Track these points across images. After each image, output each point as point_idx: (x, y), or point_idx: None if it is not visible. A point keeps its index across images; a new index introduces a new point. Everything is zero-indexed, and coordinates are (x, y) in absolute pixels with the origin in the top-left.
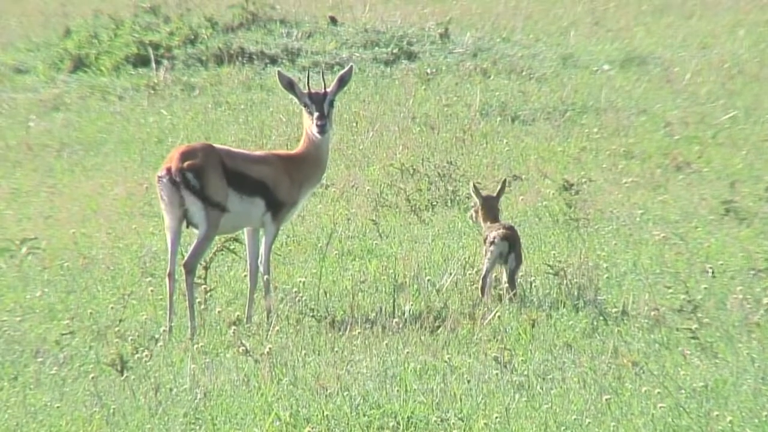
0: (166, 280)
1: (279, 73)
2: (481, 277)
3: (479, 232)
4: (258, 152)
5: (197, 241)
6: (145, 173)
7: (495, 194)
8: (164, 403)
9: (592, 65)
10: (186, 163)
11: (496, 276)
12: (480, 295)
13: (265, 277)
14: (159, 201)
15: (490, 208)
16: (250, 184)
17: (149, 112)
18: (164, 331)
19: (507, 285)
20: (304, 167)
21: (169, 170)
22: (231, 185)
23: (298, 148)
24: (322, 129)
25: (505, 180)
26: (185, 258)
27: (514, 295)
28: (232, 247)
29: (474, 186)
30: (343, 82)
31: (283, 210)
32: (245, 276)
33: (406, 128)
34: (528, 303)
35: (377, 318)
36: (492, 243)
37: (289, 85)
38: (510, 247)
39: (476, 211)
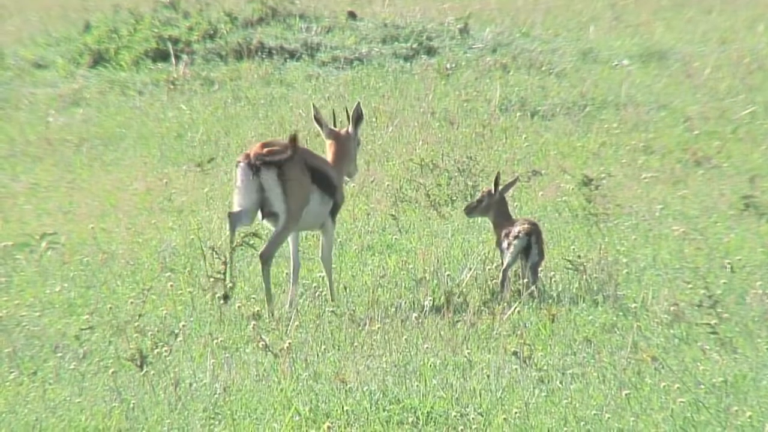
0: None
1: (313, 105)
2: (502, 270)
3: (493, 232)
4: (323, 156)
5: (276, 231)
6: (164, 168)
7: (501, 189)
8: (184, 398)
9: (611, 60)
10: (266, 151)
11: (515, 271)
12: (500, 290)
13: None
14: (234, 186)
15: (499, 205)
16: (328, 185)
17: (168, 107)
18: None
19: (526, 280)
20: (342, 176)
21: (248, 156)
22: (314, 182)
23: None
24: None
25: (517, 177)
26: (262, 248)
27: (535, 288)
28: (251, 242)
29: (497, 178)
30: (358, 121)
31: (337, 213)
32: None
33: (426, 123)
34: (547, 298)
35: (397, 313)
36: (516, 237)
37: (317, 120)
38: (533, 241)
39: (487, 205)
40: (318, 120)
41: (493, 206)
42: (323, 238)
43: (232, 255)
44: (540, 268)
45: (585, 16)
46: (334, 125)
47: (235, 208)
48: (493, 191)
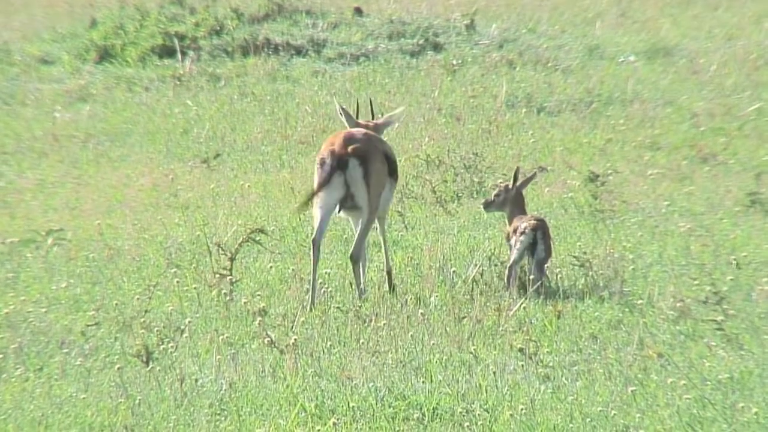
0: (311, 248)
1: (339, 105)
2: (508, 266)
3: (505, 223)
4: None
5: (362, 228)
6: (170, 164)
7: (519, 184)
8: (189, 395)
9: (618, 56)
10: (351, 148)
11: (522, 267)
12: (506, 285)
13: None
14: (315, 181)
15: (516, 200)
16: (395, 170)
17: (175, 103)
18: (308, 302)
19: (532, 276)
20: None
21: (333, 153)
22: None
23: None
24: None
25: (535, 173)
26: (352, 249)
27: (541, 285)
28: (257, 238)
29: (516, 173)
30: (391, 122)
31: None
32: (271, 267)
33: (432, 119)
34: (554, 294)
35: (402, 309)
36: (522, 233)
37: (343, 113)
38: (539, 237)
39: (503, 199)
40: (345, 113)
41: (510, 201)
42: (380, 225)
43: (315, 280)
44: (546, 265)
45: (591, 12)
46: (357, 116)
47: (318, 212)
48: (510, 186)
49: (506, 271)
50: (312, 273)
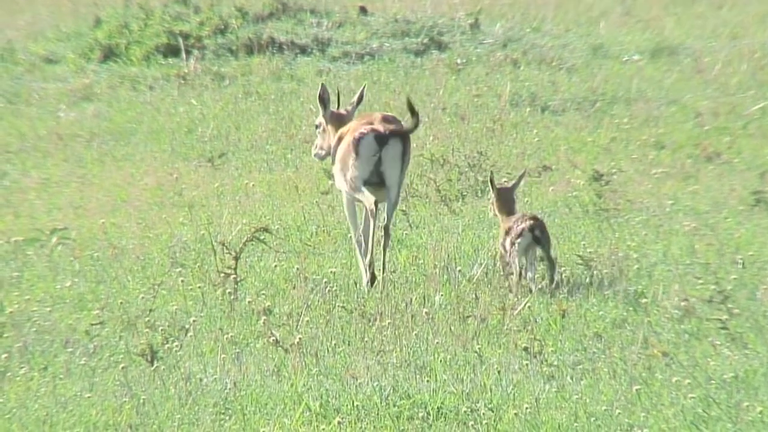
0: (373, 210)
1: (323, 85)
2: (513, 271)
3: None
4: None
5: (392, 204)
6: (175, 163)
7: (510, 186)
8: (194, 394)
9: (622, 55)
10: (391, 128)
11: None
12: (511, 289)
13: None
14: (349, 159)
15: (505, 200)
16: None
17: (179, 102)
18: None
19: (548, 274)
20: None
21: (373, 129)
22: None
23: None
24: (317, 155)
25: (524, 172)
26: (386, 222)
27: (551, 279)
28: (262, 237)
29: (491, 177)
30: (359, 104)
31: None
32: (275, 266)
33: (436, 118)
34: (558, 293)
35: (407, 308)
36: (519, 236)
37: (321, 99)
38: (537, 237)
39: (492, 204)
40: (323, 100)
41: (497, 203)
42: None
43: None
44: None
45: (595, 11)
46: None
47: (360, 185)
48: (492, 190)
49: (511, 275)
50: (367, 248)
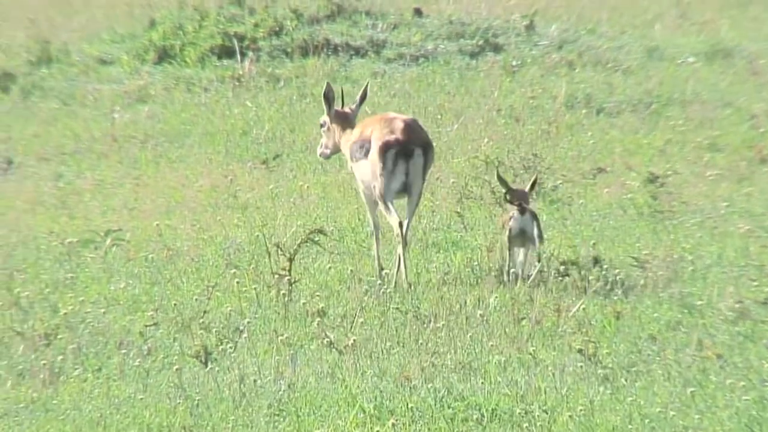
0: (399, 232)
1: (328, 84)
2: (506, 263)
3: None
4: None
5: (413, 208)
6: (229, 165)
7: (526, 189)
8: (248, 395)
9: (677, 57)
10: (415, 138)
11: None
12: (507, 277)
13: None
14: (378, 169)
15: (519, 197)
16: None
17: (234, 103)
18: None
19: (531, 263)
20: None
21: (399, 141)
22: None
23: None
24: (323, 155)
25: (536, 176)
26: (406, 230)
27: (533, 273)
28: (316, 239)
29: (498, 175)
30: (362, 102)
31: None
32: (330, 268)
33: (491, 120)
34: (613, 295)
35: (461, 310)
36: (502, 226)
37: (326, 98)
38: (523, 229)
39: (507, 202)
40: (327, 98)
41: (511, 199)
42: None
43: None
44: (537, 251)
45: (650, 13)
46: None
47: (384, 199)
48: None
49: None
50: (402, 255)
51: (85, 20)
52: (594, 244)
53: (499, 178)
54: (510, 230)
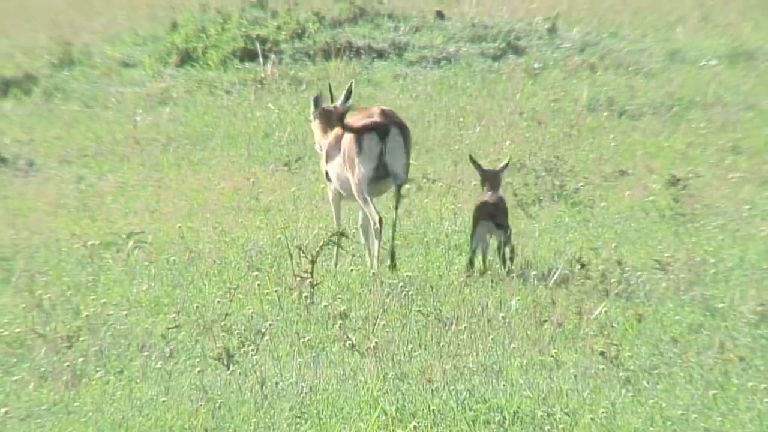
0: (378, 227)
1: (321, 92)
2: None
3: None
4: None
5: (401, 192)
6: (251, 167)
7: (497, 169)
8: (270, 398)
9: (699, 60)
10: (391, 120)
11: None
12: (470, 267)
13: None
14: (354, 156)
15: (491, 180)
16: None
17: (256, 106)
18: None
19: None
20: None
21: (374, 123)
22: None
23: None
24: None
25: (509, 158)
26: (400, 210)
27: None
28: (338, 241)
29: (470, 158)
30: (350, 99)
31: None
32: (351, 270)
33: (513, 123)
34: (635, 298)
35: (483, 312)
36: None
37: (316, 101)
38: (485, 222)
39: (482, 186)
40: (316, 102)
41: (482, 181)
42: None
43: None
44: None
45: (672, 16)
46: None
47: (363, 189)
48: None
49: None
50: (378, 250)
51: (107, 22)
52: (616, 246)
53: (472, 161)
54: (475, 210)
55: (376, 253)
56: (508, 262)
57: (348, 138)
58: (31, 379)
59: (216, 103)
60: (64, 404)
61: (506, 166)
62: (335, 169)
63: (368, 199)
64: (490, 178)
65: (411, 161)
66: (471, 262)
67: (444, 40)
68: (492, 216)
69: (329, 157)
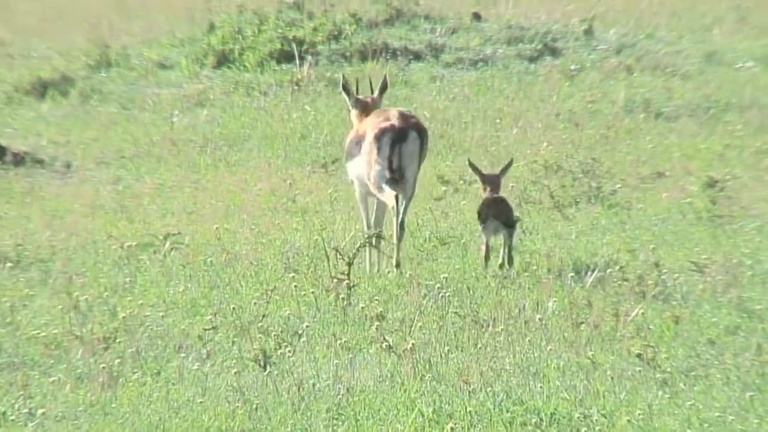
0: (395, 204)
1: (343, 75)
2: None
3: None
4: None
5: (408, 200)
6: (288, 169)
7: (498, 172)
8: (307, 399)
9: (736, 62)
10: (409, 122)
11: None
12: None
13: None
14: (373, 157)
15: (491, 183)
16: None
17: (293, 108)
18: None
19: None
20: None
21: (393, 126)
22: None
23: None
24: None
25: (511, 160)
26: (401, 220)
27: (510, 264)
28: (375, 243)
29: (469, 162)
30: (383, 90)
31: None
32: (388, 272)
33: (550, 125)
34: (672, 300)
35: (520, 314)
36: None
37: (345, 88)
38: (493, 219)
39: (483, 189)
40: (346, 89)
41: (483, 185)
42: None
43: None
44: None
45: (709, 18)
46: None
47: (382, 183)
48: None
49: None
50: (396, 232)
51: (145, 24)
52: (653, 248)
53: (471, 166)
54: (479, 213)
55: (396, 234)
56: (506, 262)
57: (368, 140)
58: (67, 381)
59: (253, 105)
60: (101, 405)
61: (508, 166)
62: (354, 168)
63: (384, 187)
64: (492, 181)
65: (448, 163)
66: (487, 257)
67: (481, 42)
68: (501, 214)
69: (349, 156)
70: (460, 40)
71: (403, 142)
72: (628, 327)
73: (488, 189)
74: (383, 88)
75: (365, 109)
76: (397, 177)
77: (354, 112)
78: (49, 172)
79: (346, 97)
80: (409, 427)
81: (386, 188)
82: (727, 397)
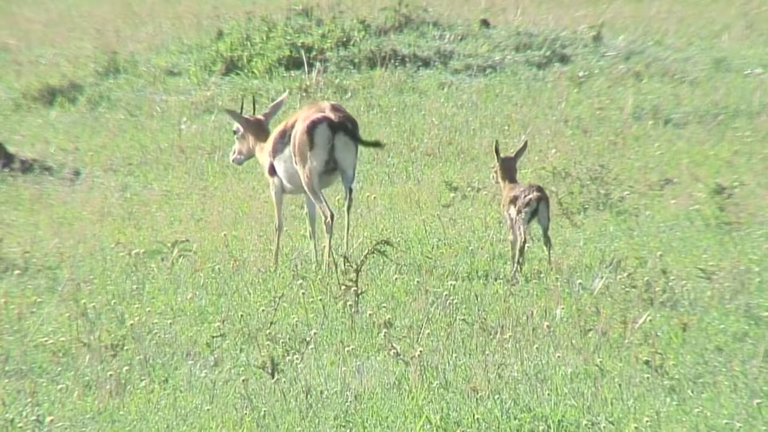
0: (330, 222)
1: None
2: (520, 233)
3: (499, 192)
4: None
5: (352, 187)
6: None
7: (513, 155)
8: (315, 406)
9: (744, 69)
10: (342, 115)
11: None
12: (518, 254)
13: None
14: (306, 149)
15: (508, 168)
16: None
17: None
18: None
19: (543, 239)
20: None
21: (326, 117)
22: None
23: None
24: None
25: (526, 142)
26: (347, 204)
27: (550, 246)
28: (383, 250)
29: (496, 147)
30: (276, 110)
31: None
32: (396, 279)
33: (559, 131)
34: (679, 307)
35: (528, 321)
36: (526, 205)
37: (230, 114)
38: (542, 207)
39: (496, 172)
40: (232, 113)
41: (500, 171)
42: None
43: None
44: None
45: (718, 24)
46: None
47: (314, 181)
48: (498, 159)
49: (520, 237)
50: (319, 244)
51: (153, 31)
52: (661, 255)
53: (495, 148)
54: (525, 213)
55: (329, 248)
56: (521, 258)
57: (299, 130)
58: (75, 388)
59: (261, 112)
60: (109, 413)
61: (523, 149)
62: (282, 163)
63: (319, 193)
64: (507, 164)
65: (456, 170)
66: (522, 250)
67: (489, 49)
68: (543, 196)
69: (276, 151)
70: (469, 46)
71: (336, 132)
72: (635, 334)
73: (502, 173)
74: (277, 106)
75: (259, 127)
76: (330, 169)
77: (246, 132)
78: (57, 179)
79: (234, 120)
80: None
81: (322, 199)
82: (734, 404)
